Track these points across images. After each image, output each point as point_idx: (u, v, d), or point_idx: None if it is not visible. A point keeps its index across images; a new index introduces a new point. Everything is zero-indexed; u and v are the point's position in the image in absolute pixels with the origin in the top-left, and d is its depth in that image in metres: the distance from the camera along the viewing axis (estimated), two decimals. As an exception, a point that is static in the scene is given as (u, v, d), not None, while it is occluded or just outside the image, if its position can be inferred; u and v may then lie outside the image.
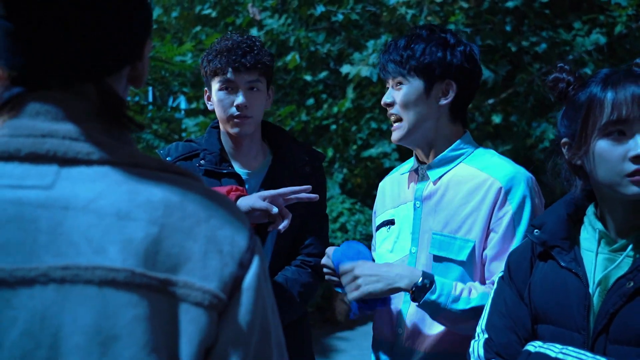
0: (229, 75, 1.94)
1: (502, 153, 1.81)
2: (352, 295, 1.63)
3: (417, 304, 1.61)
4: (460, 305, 1.59)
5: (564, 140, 1.35)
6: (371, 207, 2.03)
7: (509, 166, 1.72)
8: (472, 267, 1.68)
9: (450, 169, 1.76)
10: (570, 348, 1.22)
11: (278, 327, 0.83)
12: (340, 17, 6.99)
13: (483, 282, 1.68)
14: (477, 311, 1.56)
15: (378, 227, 1.90)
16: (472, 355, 1.39)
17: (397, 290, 1.61)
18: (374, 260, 1.77)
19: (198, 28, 7.90)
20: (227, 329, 0.76)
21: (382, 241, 1.86)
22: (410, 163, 1.87)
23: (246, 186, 1.98)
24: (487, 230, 1.67)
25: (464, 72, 1.75)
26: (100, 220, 0.74)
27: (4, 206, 0.73)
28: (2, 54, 0.80)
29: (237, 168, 2.01)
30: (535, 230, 1.37)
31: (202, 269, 0.76)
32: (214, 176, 1.97)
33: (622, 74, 1.27)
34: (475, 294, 1.60)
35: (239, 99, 1.95)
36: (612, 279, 1.25)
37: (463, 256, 1.67)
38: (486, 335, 1.38)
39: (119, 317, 0.72)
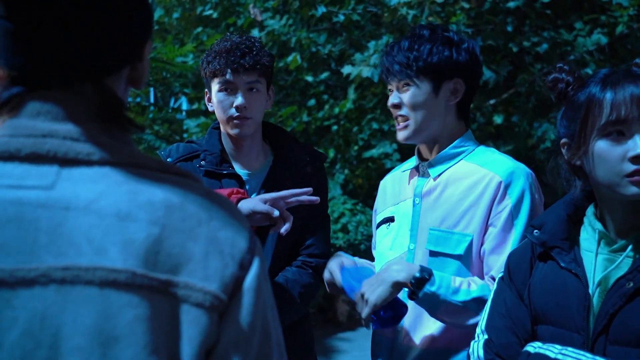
0: (228, 76, 1.94)
1: (504, 153, 1.81)
2: (364, 312, 1.61)
3: (416, 299, 1.60)
4: (461, 297, 1.58)
5: (563, 140, 1.35)
6: (373, 207, 2.03)
7: (509, 162, 1.72)
8: (469, 262, 1.68)
9: (451, 166, 1.76)
10: (569, 349, 1.22)
11: (278, 328, 0.83)
12: (341, 17, 6.99)
13: (481, 278, 1.68)
14: (478, 302, 1.56)
15: (378, 225, 1.91)
16: (471, 356, 1.39)
17: (398, 284, 1.59)
18: None
19: (199, 29, 7.90)
20: (228, 330, 0.76)
21: (382, 239, 1.86)
22: (412, 161, 1.88)
23: (247, 187, 1.98)
24: (486, 225, 1.67)
25: (470, 70, 1.76)
26: (101, 220, 0.74)
27: (4, 206, 0.74)
28: (2, 54, 0.80)
29: (238, 169, 2.01)
30: (535, 231, 1.37)
31: (203, 269, 0.76)
32: (214, 177, 1.97)
33: (621, 74, 1.27)
34: (475, 286, 1.60)
35: (238, 100, 1.94)
36: (611, 280, 1.25)
37: (460, 250, 1.67)
38: (486, 336, 1.38)
39: (119, 318, 0.72)
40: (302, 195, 1.77)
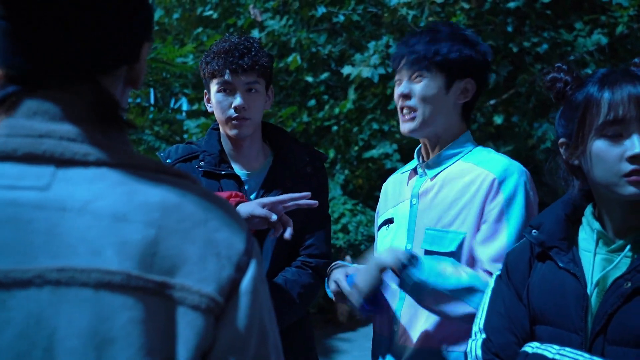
0: (226, 77, 1.94)
1: (504, 154, 1.82)
2: (354, 299, 1.64)
3: (406, 287, 1.61)
4: (451, 283, 1.58)
5: (561, 140, 1.35)
6: (373, 208, 2.05)
7: (504, 160, 1.73)
8: (461, 258, 1.68)
9: (448, 166, 1.77)
10: (567, 349, 1.21)
11: (275, 330, 0.82)
12: (341, 18, 7.00)
13: None
14: (468, 292, 1.56)
15: (379, 227, 1.91)
16: (469, 355, 1.38)
17: (384, 265, 1.61)
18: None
19: (199, 29, 7.91)
20: (225, 333, 0.76)
21: (382, 240, 1.87)
22: (414, 163, 1.88)
23: (245, 187, 1.97)
24: (480, 223, 1.67)
25: (483, 72, 1.77)
26: (97, 222, 0.73)
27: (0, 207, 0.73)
28: (1, 54, 0.80)
29: (237, 169, 2.00)
30: (534, 231, 1.37)
31: (199, 271, 0.75)
32: (212, 177, 1.97)
33: (619, 74, 1.26)
34: (466, 275, 1.60)
35: (237, 100, 1.94)
36: (610, 280, 1.25)
37: (452, 247, 1.68)
38: (484, 336, 1.38)
39: (114, 320, 0.71)
40: (301, 199, 1.76)
